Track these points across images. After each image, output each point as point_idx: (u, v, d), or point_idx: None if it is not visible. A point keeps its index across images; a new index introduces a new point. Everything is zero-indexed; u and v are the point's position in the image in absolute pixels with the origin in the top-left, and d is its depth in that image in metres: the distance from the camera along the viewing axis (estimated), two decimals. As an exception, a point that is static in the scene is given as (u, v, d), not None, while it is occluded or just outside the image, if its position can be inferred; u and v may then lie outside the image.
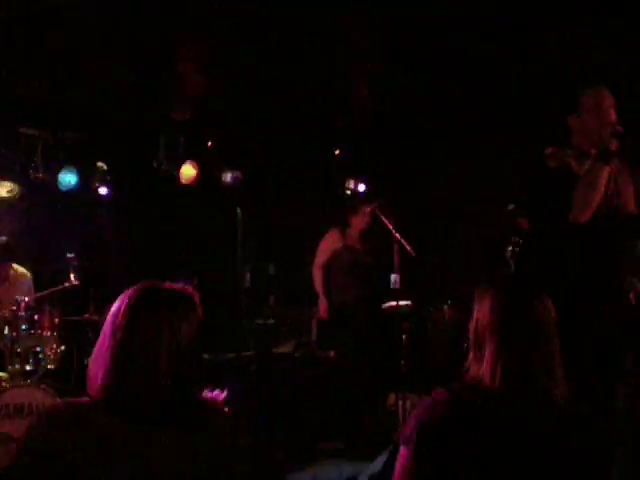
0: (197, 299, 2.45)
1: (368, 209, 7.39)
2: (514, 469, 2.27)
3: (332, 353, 7.66)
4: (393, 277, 6.50)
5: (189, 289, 2.47)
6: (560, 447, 2.32)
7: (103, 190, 7.85)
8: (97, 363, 2.33)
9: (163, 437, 2.25)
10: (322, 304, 7.63)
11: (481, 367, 2.43)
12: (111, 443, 2.22)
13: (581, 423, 2.39)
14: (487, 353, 2.42)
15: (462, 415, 2.31)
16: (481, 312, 2.48)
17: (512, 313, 2.47)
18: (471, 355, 2.51)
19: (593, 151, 4.24)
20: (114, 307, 2.39)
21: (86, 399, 2.33)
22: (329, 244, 7.63)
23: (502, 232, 6.61)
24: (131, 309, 2.34)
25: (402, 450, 2.34)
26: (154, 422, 2.26)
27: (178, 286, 2.47)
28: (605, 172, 4.19)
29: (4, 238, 6.70)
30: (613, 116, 4.30)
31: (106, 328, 2.36)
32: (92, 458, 2.20)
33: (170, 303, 2.37)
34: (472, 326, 2.51)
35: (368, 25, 5.36)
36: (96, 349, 2.36)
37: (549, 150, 4.36)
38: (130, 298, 2.38)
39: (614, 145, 4.16)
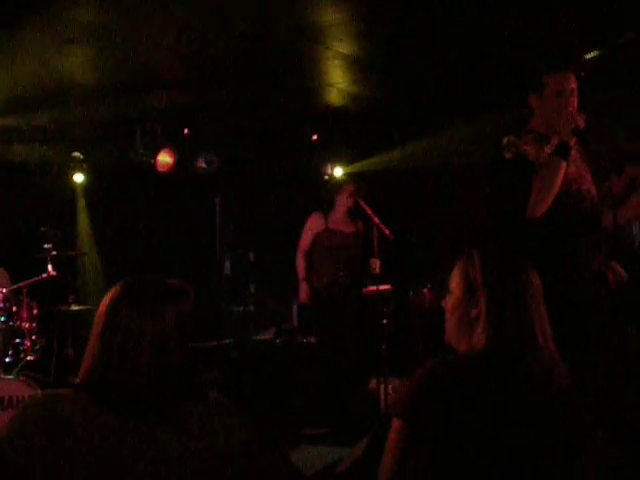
0: (189, 292, 2.42)
1: (351, 187, 7.36)
2: (509, 440, 2.27)
3: (313, 339, 7.66)
4: (373, 261, 6.51)
5: (180, 283, 2.43)
6: (546, 416, 2.33)
7: (79, 178, 7.80)
8: (85, 356, 2.32)
9: (144, 430, 2.23)
10: (302, 289, 7.60)
11: (471, 336, 2.43)
12: (89, 436, 2.19)
13: (564, 394, 2.40)
14: (479, 316, 2.42)
15: (457, 383, 2.29)
16: (469, 273, 2.48)
17: (503, 271, 2.48)
18: (455, 327, 2.51)
19: (554, 141, 4.18)
20: (103, 300, 2.37)
21: (67, 390, 2.31)
22: (312, 227, 7.57)
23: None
24: (115, 302, 2.33)
25: (395, 422, 2.31)
26: (135, 414, 2.24)
27: (168, 280, 2.43)
28: (562, 167, 4.15)
29: None
30: (575, 103, 4.28)
31: (95, 322, 2.35)
32: (72, 454, 2.17)
33: (155, 296, 2.34)
34: (457, 295, 2.50)
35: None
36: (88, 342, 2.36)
37: (505, 140, 4.24)
38: (116, 291, 2.36)
39: (572, 141, 4.15)
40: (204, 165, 8.18)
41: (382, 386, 6.47)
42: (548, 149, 4.18)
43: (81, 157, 7.75)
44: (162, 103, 7.07)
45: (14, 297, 5.98)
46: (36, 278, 6.23)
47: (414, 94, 7.52)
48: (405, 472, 2.30)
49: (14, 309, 5.92)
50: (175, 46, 5.95)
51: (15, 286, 6.14)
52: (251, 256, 8.99)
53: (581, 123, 4.16)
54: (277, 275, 8.57)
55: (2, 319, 5.83)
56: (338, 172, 8.34)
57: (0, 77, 6.39)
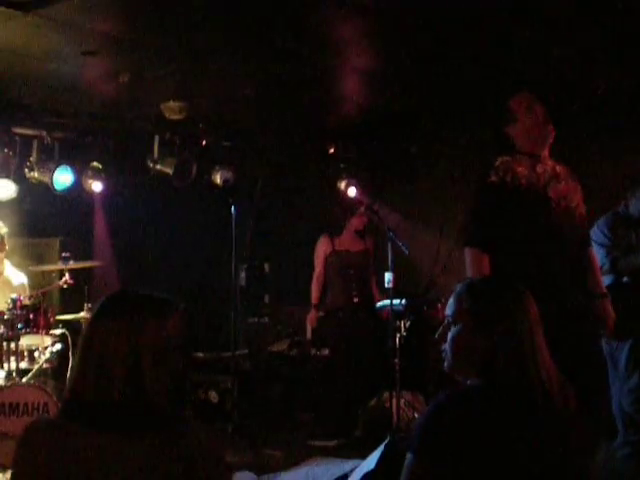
0: (175, 308, 2.37)
1: (363, 208, 7.43)
2: (523, 468, 2.29)
3: (326, 351, 7.69)
4: (387, 276, 6.52)
5: (167, 298, 2.39)
6: (559, 446, 2.35)
7: (97, 187, 7.85)
8: (72, 371, 2.36)
9: (115, 447, 2.19)
10: (311, 315, 7.73)
11: (473, 367, 2.45)
12: (75, 456, 2.19)
13: (574, 419, 2.42)
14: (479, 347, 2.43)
15: (465, 417, 2.31)
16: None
17: (497, 303, 2.49)
18: (455, 358, 2.52)
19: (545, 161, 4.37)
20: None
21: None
22: (320, 251, 7.69)
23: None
24: (95, 315, 2.33)
25: (409, 457, 2.33)
26: (109, 430, 2.20)
27: (155, 294, 2.40)
28: None
29: None
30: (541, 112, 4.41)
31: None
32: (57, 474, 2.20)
33: (134, 310, 2.31)
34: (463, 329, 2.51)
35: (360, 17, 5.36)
36: None
37: (499, 161, 4.38)
38: (98, 304, 2.36)
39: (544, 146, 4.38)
40: (221, 180, 8.23)
41: (394, 400, 6.48)
42: (540, 168, 4.33)
43: (100, 167, 7.80)
44: (180, 114, 7.11)
45: (31, 304, 6.03)
46: (54, 285, 6.29)
47: (431, 107, 7.54)
48: None
49: (31, 316, 5.96)
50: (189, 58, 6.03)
51: (33, 293, 6.20)
52: (266, 267, 9.02)
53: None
54: (292, 287, 8.60)
55: (19, 326, 5.88)
56: (352, 192, 8.30)
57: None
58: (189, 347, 2.23)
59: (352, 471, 3.83)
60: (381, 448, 3.69)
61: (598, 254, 5.01)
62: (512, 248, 4.24)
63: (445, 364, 2.55)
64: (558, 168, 4.44)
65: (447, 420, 2.31)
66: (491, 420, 2.32)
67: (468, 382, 2.48)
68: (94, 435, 2.19)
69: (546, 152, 4.44)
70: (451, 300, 2.56)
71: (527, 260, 4.21)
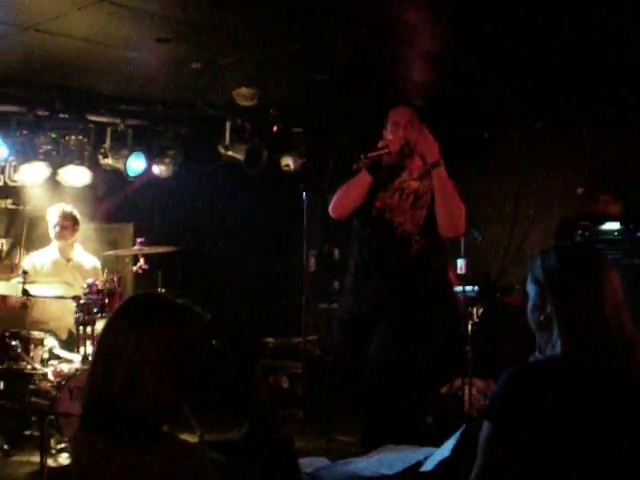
0: (193, 318, 2.30)
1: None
2: (598, 442, 2.24)
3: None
4: (460, 262, 6.47)
5: (186, 306, 2.32)
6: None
7: (169, 173, 7.92)
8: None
9: (104, 453, 2.15)
10: None
11: (549, 339, 2.41)
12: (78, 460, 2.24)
13: None
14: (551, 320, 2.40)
15: (543, 386, 2.28)
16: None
17: (566, 273, 2.43)
18: (535, 330, 2.49)
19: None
20: None
21: None
22: None
23: (572, 216, 6.55)
24: (111, 319, 2.31)
25: (485, 425, 2.31)
26: (107, 435, 2.16)
27: (178, 301, 2.33)
28: (366, 181, 4.77)
29: (69, 207, 6.88)
30: (398, 133, 4.82)
31: None
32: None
33: (147, 314, 2.25)
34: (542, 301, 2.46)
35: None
36: None
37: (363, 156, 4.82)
38: (120, 305, 2.35)
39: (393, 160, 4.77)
40: (292, 165, 8.24)
41: (467, 387, 6.43)
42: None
43: (172, 153, 7.87)
44: (252, 101, 7.13)
45: (107, 289, 6.11)
46: (128, 271, 6.37)
47: (499, 92, 7.44)
48: (496, 475, 2.28)
49: (106, 301, 6.05)
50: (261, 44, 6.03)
51: (108, 278, 6.28)
52: (336, 253, 9.01)
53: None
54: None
55: (95, 310, 5.97)
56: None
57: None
58: (204, 359, 2.09)
59: (426, 458, 3.79)
60: (456, 435, 3.65)
61: None
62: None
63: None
64: (410, 183, 4.86)
65: (526, 387, 2.29)
66: (571, 388, 2.27)
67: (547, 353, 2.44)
68: (90, 439, 2.19)
69: (413, 166, 4.86)
70: (529, 276, 2.54)
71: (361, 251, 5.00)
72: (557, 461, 2.24)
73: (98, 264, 6.96)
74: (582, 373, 2.31)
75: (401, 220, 4.80)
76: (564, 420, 2.24)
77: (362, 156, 4.76)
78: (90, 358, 5.84)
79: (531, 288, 2.49)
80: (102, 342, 2.27)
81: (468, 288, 6.59)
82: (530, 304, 2.50)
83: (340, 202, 4.84)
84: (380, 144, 4.77)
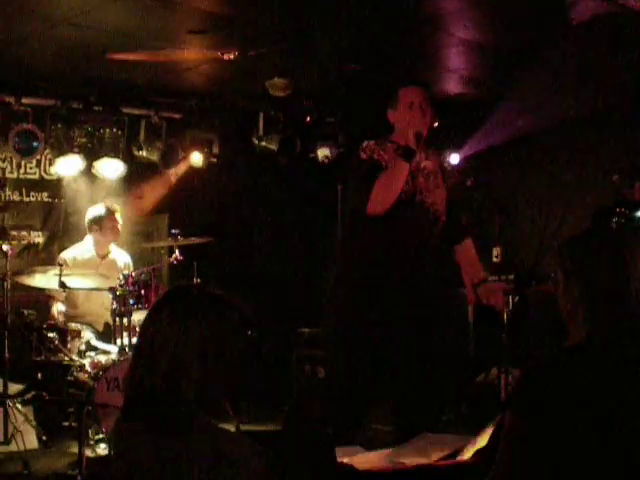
0: (229, 308, 2.33)
1: (469, 182, 7.31)
2: (622, 432, 2.21)
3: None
4: (495, 250, 6.44)
5: (225, 296, 2.36)
6: None
7: (203, 164, 7.96)
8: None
9: (152, 445, 2.17)
10: None
11: (576, 326, 2.38)
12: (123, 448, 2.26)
13: None
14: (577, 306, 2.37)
15: (564, 376, 2.25)
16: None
17: (591, 259, 2.40)
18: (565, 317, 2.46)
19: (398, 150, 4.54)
20: None
21: None
22: None
23: (607, 203, 6.47)
24: (152, 310, 2.34)
25: (508, 414, 2.29)
26: (147, 426, 2.19)
27: (217, 291, 2.37)
28: (405, 168, 4.47)
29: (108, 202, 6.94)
30: (422, 115, 4.60)
31: None
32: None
33: (189, 306, 2.28)
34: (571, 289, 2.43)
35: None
36: None
37: (365, 144, 4.66)
38: (160, 297, 2.37)
39: (414, 145, 4.47)
40: (325, 156, 8.24)
41: (502, 376, 6.40)
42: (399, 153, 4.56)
43: (205, 145, 7.90)
44: (285, 92, 7.13)
45: (142, 280, 6.15)
46: (164, 262, 6.41)
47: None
48: (518, 464, 2.25)
49: (142, 292, 6.08)
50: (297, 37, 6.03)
51: (144, 269, 6.32)
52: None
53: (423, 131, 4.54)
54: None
55: (131, 301, 6.01)
56: (455, 159, 8.24)
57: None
58: (246, 349, 2.12)
59: (463, 447, 3.78)
60: (493, 424, 3.63)
61: None
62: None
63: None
64: (424, 164, 4.69)
65: (546, 375, 2.28)
66: (594, 375, 2.25)
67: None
68: (133, 429, 2.21)
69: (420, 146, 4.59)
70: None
71: (382, 242, 4.61)
72: (579, 451, 2.21)
73: (130, 260, 7.01)
74: (605, 359, 2.28)
75: (431, 201, 4.73)
76: (586, 407, 2.21)
77: (397, 146, 4.63)
78: (127, 349, 5.91)
79: (559, 275, 2.46)
80: (144, 334, 2.29)
81: (503, 277, 6.55)
82: (558, 292, 2.47)
83: (384, 198, 4.47)
84: (412, 132, 4.56)
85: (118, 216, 6.85)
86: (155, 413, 2.18)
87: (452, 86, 7.76)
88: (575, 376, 2.25)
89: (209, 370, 2.21)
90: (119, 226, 6.87)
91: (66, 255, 6.82)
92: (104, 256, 6.91)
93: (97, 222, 6.80)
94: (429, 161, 4.77)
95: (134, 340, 5.97)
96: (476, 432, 3.83)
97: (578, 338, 2.37)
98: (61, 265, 6.06)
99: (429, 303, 4.76)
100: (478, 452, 3.46)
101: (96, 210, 6.85)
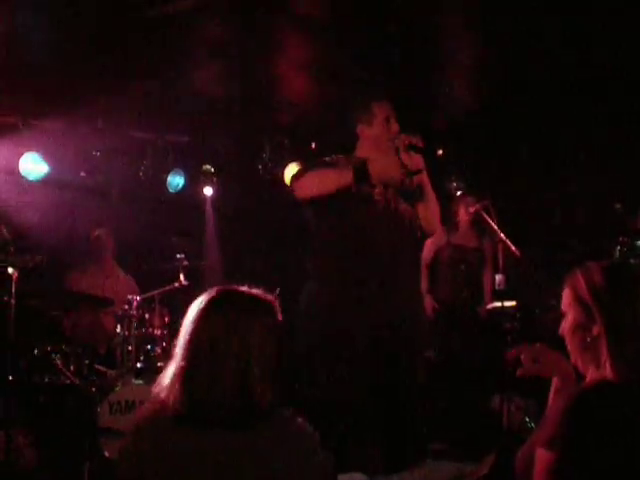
0: (276, 306, 2.43)
1: (472, 205, 7.29)
2: None
3: (432, 353, 7.60)
4: (498, 277, 6.44)
5: (267, 295, 2.45)
6: None
7: (208, 190, 8.00)
8: (170, 364, 2.40)
9: (223, 442, 2.26)
10: (427, 302, 7.55)
11: (596, 360, 2.37)
12: (176, 453, 2.28)
13: None
14: (599, 340, 2.35)
15: (606, 412, 2.24)
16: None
17: (613, 291, 2.38)
18: (577, 351, 2.45)
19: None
20: (191, 310, 2.41)
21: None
22: (433, 240, 7.53)
23: (610, 232, 6.49)
24: (203, 312, 2.36)
25: (542, 453, 2.25)
26: (214, 427, 2.26)
27: (256, 291, 2.44)
28: (344, 175, 4.33)
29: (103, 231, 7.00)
30: (398, 129, 4.56)
31: (182, 331, 2.40)
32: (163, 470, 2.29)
33: (241, 307, 2.35)
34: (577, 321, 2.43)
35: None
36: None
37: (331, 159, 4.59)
38: (207, 301, 2.39)
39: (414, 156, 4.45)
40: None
41: (505, 404, 6.39)
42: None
43: (211, 170, 7.94)
44: (291, 117, 7.18)
45: (146, 305, 6.18)
46: (169, 287, 6.42)
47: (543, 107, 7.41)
48: None
49: (146, 316, 6.11)
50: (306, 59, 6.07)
51: (148, 294, 6.34)
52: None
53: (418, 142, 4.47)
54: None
55: (135, 326, 6.03)
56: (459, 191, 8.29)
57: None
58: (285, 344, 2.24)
59: (463, 475, 3.79)
60: (494, 453, 3.65)
61: None
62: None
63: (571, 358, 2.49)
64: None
65: (584, 416, 2.23)
66: (629, 412, 2.24)
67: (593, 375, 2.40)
68: (203, 434, 2.26)
69: None
70: (564, 292, 2.49)
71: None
72: None
73: (133, 281, 7.05)
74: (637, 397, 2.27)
75: (403, 208, 4.64)
76: (627, 445, 2.20)
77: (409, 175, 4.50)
78: (130, 373, 5.91)
79: (573, 307, 2.44)
80: (199, 341, 2.32)
81: (506, 304, 6.55)
82: (570, 324, 2.45)
83: (313, 188, 4.46)
84: (403, 143, 4.48)
85: (109, 238, 7.02)
86: (229, 415, 2.25)
87: (456, 112, 7.81)
88: (615, 414, 2.24)
89: (269, 365, 2.30)
90: (113, 248, 6.98)
91: (71, 276, 6.87)
92: (107, 276, 6.96)
93: (94, 245, 6.92)
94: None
95: (138, 365, 5.98)
96: (478, 460, 3.83)
97: (596, 373, 2.37)
98: (65, 288, 6.09)
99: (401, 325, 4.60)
100: (479, 480, 3.47)
101: (98, 231, 6.97)
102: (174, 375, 2.35)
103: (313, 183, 4.44)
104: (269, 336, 2.32)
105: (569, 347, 2.48)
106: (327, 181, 4.40)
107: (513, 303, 6.68)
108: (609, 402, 2.26)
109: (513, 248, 6.51)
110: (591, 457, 2.19)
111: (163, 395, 2.36)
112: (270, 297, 2.44)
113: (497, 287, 6.48)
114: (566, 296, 2.48)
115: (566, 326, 2.47)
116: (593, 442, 2.20)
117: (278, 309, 2.42)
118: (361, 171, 4.31)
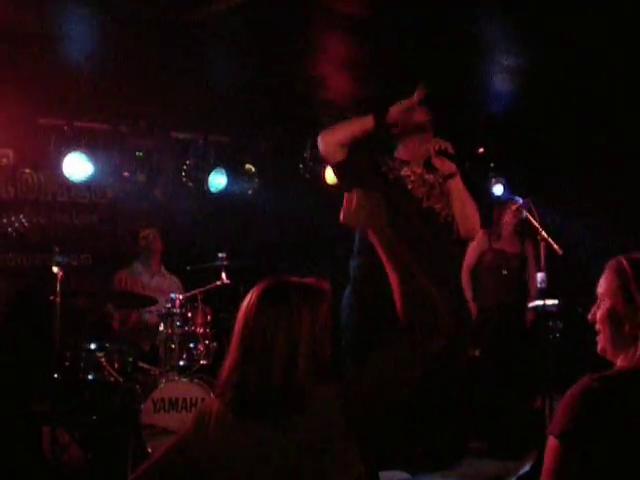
0: (326, 292, 2.43)
1: (514, 206, 7.29)
2: None
3: (477, 352, 7.59)
4: (540, 276, 6.41)
5: (320, 283, 2.45)
6: None
7: (250, 190, 8.04)
8: (226, 357, 2.39)
9: (273, 432, 2.27)
10: (471, 307, 7.57)
11: (630, 350, 2.33)
12: (232, 440, 2.32)
13: None
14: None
15: (616, 401, 2.20)
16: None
17: None
18: (610, 340, 2.39)
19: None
20: (244, 302, 2.41)
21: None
22: (476, 245, 7.54)
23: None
24: (254, 303, 2.37)
25: (551, 441, 2.21)
26: (265, 416, 2.28)
27: (308, 280, 2.45)
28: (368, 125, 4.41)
29: (151, 231, 7.07)
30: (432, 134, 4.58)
31: (236, 323, 2.41)
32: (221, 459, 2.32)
33: (292, 297, 2.35)
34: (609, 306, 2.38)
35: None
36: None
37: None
38: (257, 292, 2.40)
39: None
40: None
41: (547, 403, 6.36)
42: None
43: (253, 169, 7.98)
44: (331, 116, 7.18)
45: (189, 303, 6.23)
46: (211, 285, 6.46)
47: (581, 107, 7.36)
48: None
49: (189, 315, 6.15)
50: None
51: (191, 293, 6.39)
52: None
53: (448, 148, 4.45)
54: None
55: (178, 324, 6.08)
56: (499, 190, 8.27)
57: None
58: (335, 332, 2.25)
59: (505, 473, 3.79)
60: (537, 451, 3.64)
61: None
62: None
63: (598, 346, 2.44)
64: (429, 177, 4.60)
65: (596, 403, 2.19)
66: None
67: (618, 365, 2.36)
68: (254, 425, 2.29)
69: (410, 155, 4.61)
70: (602, 278, 2.44)
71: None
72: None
73: (178, 281, 7.13)
74: None
75: (440, 206, 4.63)
76: (633, 434, 2.17)
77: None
78: (173, 370, 5.96)
79: (614, 295, 2.38)
80: (250, 332, 2.34)
81: (549, 302, 6.51)
82: (608, 311, 2.39)
83: (336, 134, 4.56)
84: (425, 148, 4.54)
85: (158, 237, 7.12)
86: (278, 405, 2.27)
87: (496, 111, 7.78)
88: (632, 404, 2.20)
89: (316, 355, 2.32)
90: (161, 247, 7.04)
91: (118, 276, 6.97)
92: (153, 275, 7.05)
93: (143, 244, 7.00)
94: (430, 175, 4.67)
95: (181, 363, 6.03)
96: (520, 459, 3.83)
97: (625, 361, 2.33)
98: (113, 288, 6.16)
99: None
100: (521, 477, 3.47)
101: (146, 231, 7.04)
102: (228, 367, 2.36)
103: (336, 131, 4.53)
104: (316, 325, 2.33)
105: (601, 334, 2.42)
106: (349, 126, 4.51)
107: (555, 301, 6.64)
108: (620, 391, 2.23)
109: (555, 246, 6.48)
110: (597, 446, 2.15)
111: (220, 387, 2.39)
112: (324, 284, 2.45)
113: (539, 285, 6.44)
114: (608, 282, 2.41)
115: (602, 312, 2.41)
116: (599, 431, 2.16)
117: (328, 294, 2.43)
118: (381, 115, 4.42)
